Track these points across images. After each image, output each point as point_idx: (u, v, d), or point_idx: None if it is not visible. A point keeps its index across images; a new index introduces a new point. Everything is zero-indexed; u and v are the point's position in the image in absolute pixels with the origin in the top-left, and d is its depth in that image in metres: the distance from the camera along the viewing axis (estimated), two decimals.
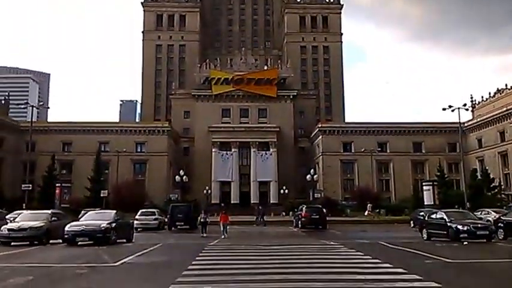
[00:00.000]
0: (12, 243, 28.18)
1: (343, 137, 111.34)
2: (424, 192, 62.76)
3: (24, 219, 30.69)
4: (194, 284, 14.13)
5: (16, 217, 33.61)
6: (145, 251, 24.47)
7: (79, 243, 28.06)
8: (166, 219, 51.61)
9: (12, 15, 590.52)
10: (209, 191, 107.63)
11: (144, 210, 54.54)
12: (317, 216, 49.77)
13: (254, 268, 16.96)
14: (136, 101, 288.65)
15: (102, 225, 28.30)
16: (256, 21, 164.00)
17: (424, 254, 21.93)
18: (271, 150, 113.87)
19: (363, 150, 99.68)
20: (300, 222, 50.91)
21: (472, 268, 18.07)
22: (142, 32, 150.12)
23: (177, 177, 78.77)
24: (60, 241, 29.10)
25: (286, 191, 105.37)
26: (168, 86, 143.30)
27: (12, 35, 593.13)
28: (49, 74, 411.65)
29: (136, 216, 49.42)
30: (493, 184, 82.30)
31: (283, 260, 19.61)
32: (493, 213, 45.39)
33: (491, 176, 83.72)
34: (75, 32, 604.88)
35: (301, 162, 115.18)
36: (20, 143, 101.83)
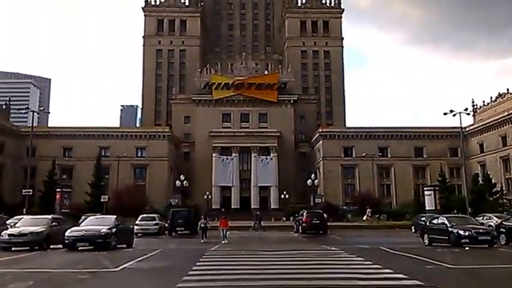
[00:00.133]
0: (13, 249, 28.12)
1: (344, 142, 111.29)
2: (426, 197, 62.62)
3: (25, 224, 30.63)
4: None
5: (17, 222, 33.54)
6: (145, 256, 24.39)
7: (79, 248, 28.02)
8: (166, 225, 51.51)
9: (14, 20, 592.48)
10: (209, 196, 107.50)
11: (144, 215, 54.48)
12: (318, 222, 49.67)
13: (255, 274, 16.88)
14: (137, 106, 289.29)
15: (102, 231, 28.24)
16: (256, 26, 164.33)
17: (425, 259, 21.83)
18: (271, 155, 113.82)
19: (363, 155, 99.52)
20: (300, 227, 50.81)
21: (473, 274, 17.97)
22: (143, 37, 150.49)
23: (177, 182, 78.61)
24: (61, 246, 29.03)
25: (287, 196, 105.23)
26: (168, 91, 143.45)
27: (14, 40, 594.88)
28: (50, 79, 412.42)
29: (137, 222, 49.34)
30: (495, 189, 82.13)
31: (283, 266, 19.53)
32: (494, 218, 45.21)
33: (493, 181, 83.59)
34: (76, 37, 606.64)
35: (302, 167, 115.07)
36: (20, 148, 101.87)
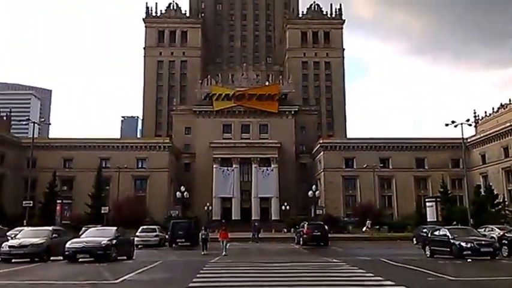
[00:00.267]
0: (13, 260, 28.03)
1: (344, 153, 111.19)
2: (427, 209, 62.39)
3: (25, 236, 30.55)
4: None
5: (17, 234, 33.48)
6: (145, 268, 24.24)
7: (80, 260, 27.90)
8: (167, 236, 51.30)
9: (15, 31, 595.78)
10: (210, 208, 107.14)
11: (144, 226, 54.33)
12: (319, 233, 49.46)
13: (255, 286, 16.74)
14: (138, 117, 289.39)
15: (102, 242, 28.14)
16: (257, 37, 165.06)
17: (426, 271, 21.66)
18: (272, 166, 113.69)
19: (365, 166, 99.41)
20: (301, 239, 50.58)
21: (476, 286, 17.81)
22: (144, 48, 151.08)
23: (177, 193, 78.50)
24: (61, 258, 28.89)
25: (288, 207, 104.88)
26: (169, 102, 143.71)
27: (15, 51, 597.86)
28: (51, 91, 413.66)
29: (137, 233, 49.16)
30: (497, 200, 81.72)
31: (284, 278, 19.37)
32: (497, 230, 44.99)
33: (495, 192, 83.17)
34: (77, 48, 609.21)
35: (303, 178, 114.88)
36: (21, 159, 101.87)
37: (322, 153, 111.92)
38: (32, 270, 24.05)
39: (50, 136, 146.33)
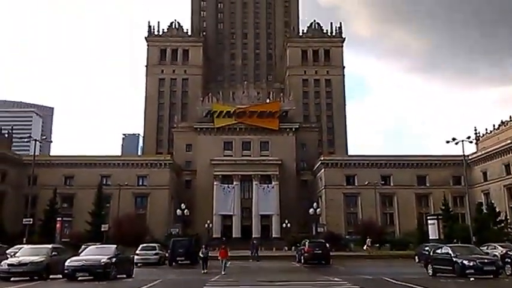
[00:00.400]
0: (12, 279, 27.88)
1: (346, 170, 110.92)
2: (429, 226, 62.07)
3: (25, 254, 30.44)
4: None
5: (16, 252, 33.33)
6: (145, 286, 24.05)
7: (79, 278, 27.71)
8: (167, 254, 50.99)
9: (19, 49, 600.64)
10: (210, 225, 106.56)
11: (144, 244, 54.05)
12: (320, 251, 49.09)
13: None
14: (139, 134, 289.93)
15: (102, 261, 27.96)
16: (258, 55, 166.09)
17: None
18: (273, 183, 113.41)
19: (366, 183, 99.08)
20: (302, 257, 50.21)
21: None
22: (146, 66, 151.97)
23: (178, 210, 78.37)
24: (61, 276, 28.69)
25: (289, 225, 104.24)
26: (170, 119, 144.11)
27: (18, 69, 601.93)
28: (52, 108, 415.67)
29: (137, 251, 48.91)
30: (499, 218, 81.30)
31: None
32: (499, 248, 44.66)
33: (497, 210, 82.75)
34: (79, 66, 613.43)
35: (304, 195, 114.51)
36: (22, 177, 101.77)
37: (323, 170, 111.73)
38: None
39: (51, 153, 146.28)
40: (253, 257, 58.30)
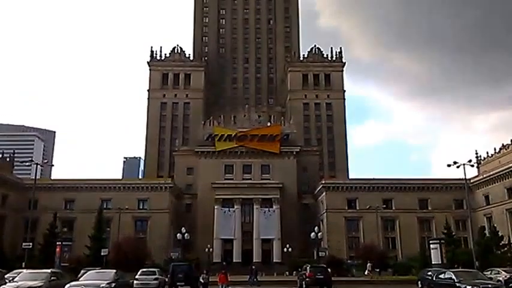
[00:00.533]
0: None
1: (347, 194, 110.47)
2: (432, 251, 61.46)
3: (24, 278, 30.19)
4: None
5: (15, 276, 33.03)
6: None
7: None
8: (166, 279, 50.42)
9: (22, 74, 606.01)
10: (211, 249, 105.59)
11: (144, 269, 53.48)
12: (322, 276, 48.54)
13: None
14: (140, 157, 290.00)
15: (101, 286, 27.75)
16: (259, 79, 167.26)
17: None
18: (274, 207, 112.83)
19: (367, 207, 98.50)
20: (304, 282, 49.62)
21: None
22: (148, 90, 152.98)
23: (178, 234, 77.68)
24: None
25: (290, 249, 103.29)
26: (171, 143, 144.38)
27: (21, 94, 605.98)
28: (54, 132, 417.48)
29: (137, 276, 48.41)
30: (502, 242, 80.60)
31: None
32: (503, 272, 44.19)
33: (500, 234, 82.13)
34: (81, 90, 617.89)
35: (305, 219, 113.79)
36: (22, 200, 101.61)
37: (324, 193, 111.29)
38: None
39: (53, 177, 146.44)
40: (252, 283, 57.59)
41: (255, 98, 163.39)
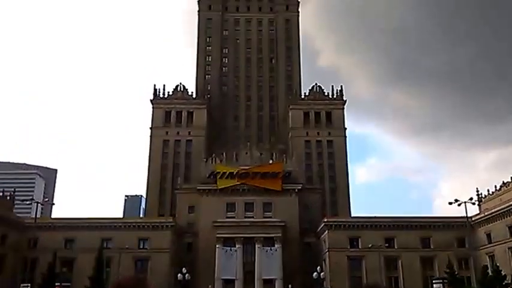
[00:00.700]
0: None
1: (349, 232, 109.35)
2: None
3: None
4: None
5: None
6: None
7: None
8: None
9: (25, 112, 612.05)
10: None
11: None
12: None
13: None
14: (141, 196, 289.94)
15: None
16: (261, 117, 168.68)
17: None
18: (276, 246, 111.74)
19: (370, 246, 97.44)
20: None
21: None
22: (151, 128, 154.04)
23: (179, 275, 77.04)
24: None
25: None
26: (173, 181, 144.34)
27: (23, 132, 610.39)
28: (56, 170, 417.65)
29: None
30: (506, 281, 79.32)
31: None
32: None
33: (503, 273, 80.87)
34: (84, 128, 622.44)
35: (308, 258, 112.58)
36: (22, 239, 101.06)
37: (326, 232, 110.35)
38: None
39: (53, 215, 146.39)
40: None
41: (257, 136, 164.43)
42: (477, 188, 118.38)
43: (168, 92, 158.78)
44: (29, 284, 64.46)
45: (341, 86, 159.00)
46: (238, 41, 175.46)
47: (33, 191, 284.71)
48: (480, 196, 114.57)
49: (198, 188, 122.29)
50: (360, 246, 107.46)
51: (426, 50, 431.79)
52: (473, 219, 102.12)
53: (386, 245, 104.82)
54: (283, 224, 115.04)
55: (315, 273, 76.37)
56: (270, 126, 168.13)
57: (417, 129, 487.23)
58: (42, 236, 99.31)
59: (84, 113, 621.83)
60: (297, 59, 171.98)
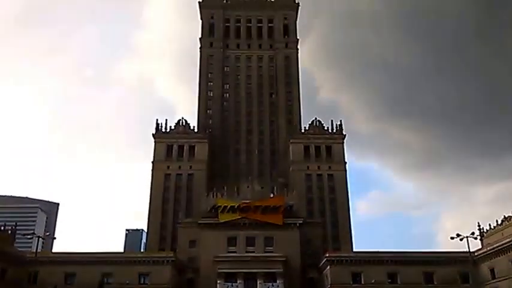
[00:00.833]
0: None
1: (352, 267, 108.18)
2: None
3: None
4: None
5: None
6: None
7: None
8: None
9: (28, 147, 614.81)
10: None
11: None
12: None
13: None
14: (142, 230, 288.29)
15: None
16: (262, 151, 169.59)
17: None
18: (278, 281, 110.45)
19: (372, 281, 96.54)
20: None
21: None
22: (152, 162, 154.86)
23: None
24: None
25: None
26: (175, 215, 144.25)
27: (26, 166, 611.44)
28: (58, 204, 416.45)
29: None
30: None
31: None
32: None
33: None
34: (86, 162, 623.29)
35: None
36: (22, 274, 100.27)
37: (328, 267, 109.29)
38: None
39: (54, 249, 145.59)
40: None
41: (257, 169, 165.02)
42: (479, 223, 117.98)
43: (170, 127, 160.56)
44: None
45: (340, 121, 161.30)
46: (239, 76, 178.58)
47: (34, 225, 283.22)
48: (482, 230, 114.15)
49: (199, 222, 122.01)
50: (362, 282, 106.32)
51: (425, 85, 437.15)
52: (476, 254, 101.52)
53: (389, 280, 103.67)
54: (284, 259, 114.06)
55: None
56: (270, 159, 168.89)
57: (418, 163, 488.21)
58: (43, 271, 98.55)
59: (87, 147, 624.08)
60: (297, 94, 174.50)
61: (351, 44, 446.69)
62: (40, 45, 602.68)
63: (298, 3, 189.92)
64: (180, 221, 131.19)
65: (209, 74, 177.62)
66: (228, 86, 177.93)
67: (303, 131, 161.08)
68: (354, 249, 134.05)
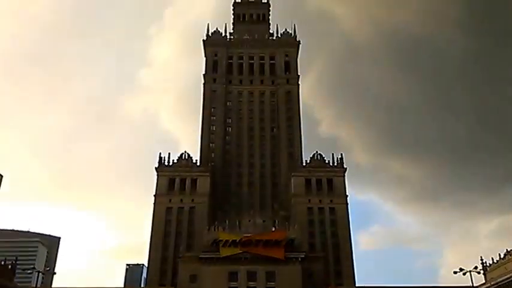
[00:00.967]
0: None
1: None
2: None
3: None
4: None
5: None
6: None
7: None
8: None
9: (29, 176, 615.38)
10: None
11: None
12: None
13: None
14: (143, 265, 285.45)
15: None
16: (264, 184, 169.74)
17: None
18: None
19: None
20: None
21: None
22: (154, 195, 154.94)
23: None
24: None
25: None
26: (176, 248, 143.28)
27: (28, 199, 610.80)
28: (59, 238, 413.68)
29: None
30: None
31: None
32: None
33: None
34: (87, 196, 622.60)
35: None
36: None
37: None
38: None
39: (54, 284, 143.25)
40: None
41: (259, 203, 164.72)
42: (481, 257, 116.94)
43: (173, 160, 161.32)
44: None
45: (341, 154, 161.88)
46: (241, 111, 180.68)
47: (35, 259, 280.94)
48: (485, 265, 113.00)
49: (200, 256, 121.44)
50: None
51: (423, 120, 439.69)
52: None
53: None
54: None
55: None
56: (272, 193, 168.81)
57: (418, 197, 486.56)
58: None
59: (88, 181, 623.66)
60: (298, 128, 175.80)
61: (350, 79, 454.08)
62: (48, 84, 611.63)
63: (299, 41, 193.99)
64: (180, 255, 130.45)
65: (212, 109, 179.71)
66: (230, 120, 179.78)
67: (304, 164, 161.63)
68: (357, 284, 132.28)
